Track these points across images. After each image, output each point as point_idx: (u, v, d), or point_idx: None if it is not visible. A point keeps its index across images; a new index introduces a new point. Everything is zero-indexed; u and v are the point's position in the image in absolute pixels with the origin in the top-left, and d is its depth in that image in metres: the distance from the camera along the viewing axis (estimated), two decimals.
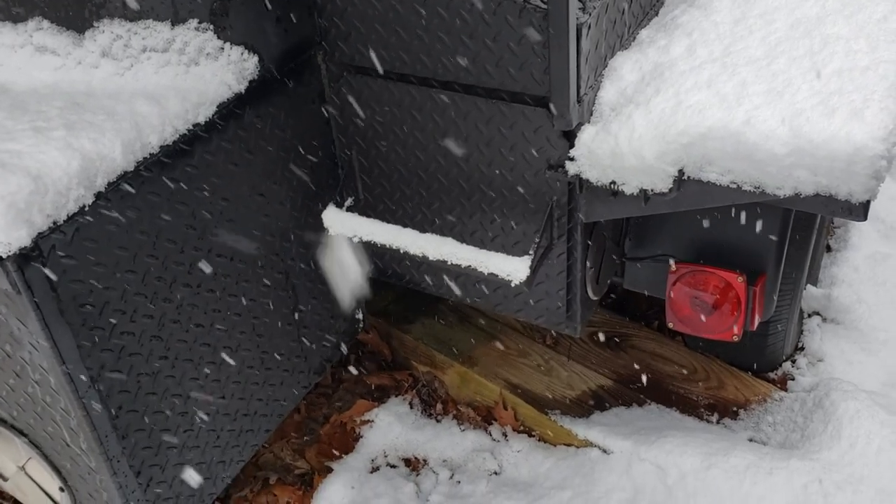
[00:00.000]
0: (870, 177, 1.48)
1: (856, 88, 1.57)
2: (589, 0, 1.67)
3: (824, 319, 2.78)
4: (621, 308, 2.84)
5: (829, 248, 3.13)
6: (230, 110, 1.75)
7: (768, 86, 1.63)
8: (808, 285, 2.81)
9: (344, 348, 2.35)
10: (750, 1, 1.91)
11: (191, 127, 1.66)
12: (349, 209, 2.09)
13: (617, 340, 2.69)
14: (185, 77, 1.70)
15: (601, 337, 2.68)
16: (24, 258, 1.40)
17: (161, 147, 1.61)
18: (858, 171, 1.48)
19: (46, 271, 1.44)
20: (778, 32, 1.78)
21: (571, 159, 1.75)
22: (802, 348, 2.69)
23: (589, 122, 1.76)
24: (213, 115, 1.70)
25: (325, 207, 2.07)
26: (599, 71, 1.78)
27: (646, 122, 1.64)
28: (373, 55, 1.89)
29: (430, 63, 1.83)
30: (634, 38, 1.92)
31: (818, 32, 1.76)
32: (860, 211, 1.53)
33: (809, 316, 2.80)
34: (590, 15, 1.64)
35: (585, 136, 1.72)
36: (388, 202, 2.11)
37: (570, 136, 1.76)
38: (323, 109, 2.02)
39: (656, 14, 2.03)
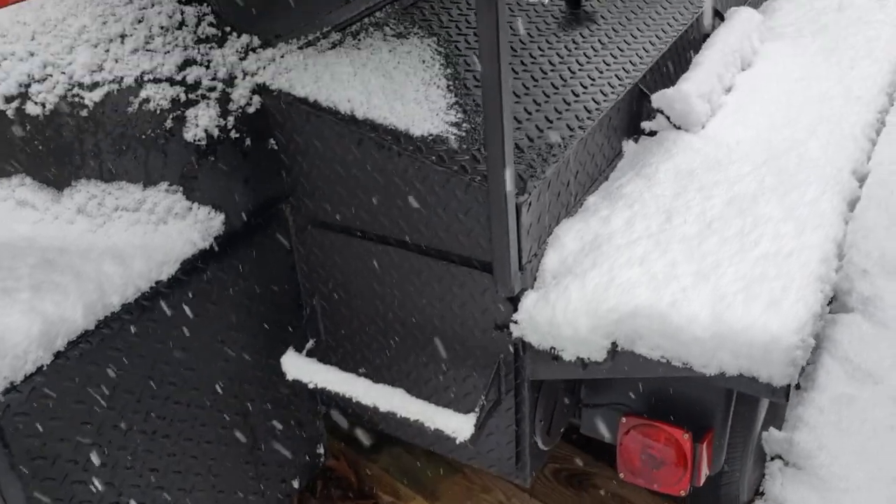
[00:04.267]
0: (786, 364, 1.55)
1: (778, 275, 1.66)
2: (530, 179, 1.79)
3: (786, 463, 2.81)
4: (588, 442, 2.88)
5: (798, 386, 3.18)
6: (194, 266, 1.86)
7: (697, 266, 1.72)
8: (772, 427, 2.85)
9: (301, 484, 2.39)
10: (692, 174, 2.03)
11: (153, 285, 1.76)
12: (309, 352, 2.17)
13: (580, 479, 2.72)
14: (153, 235, 1.81)
15: (564, 475, 2.71)
16: None
17: (123, 305, 1.71)
18: (775, 359, 1.55)
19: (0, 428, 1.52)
20: (714, 209, 1.89)
21: (515, 323, 1.84)
22: (762, 493, 2.70)
23: (532, 288, 1.86)
24: (176, 272, 1.81)
25: (286, 348, 2.15)
26: (543, 239, 1.89)
27: (580, 296, 1.73)
28: (335, 213, 2.00)
29: (387, 223, 1.94)
30: (582, 203, 2.04)
31: (751, 212, 1.87)
32: (781, 394, 1.60)
33: (772, 459, 2.82)
34: (530, 194, 1.75)
35: (528, 302, 1.82)
36: (349, 346, 2.20)
37: (514, 301, 1.85)
38: (288, 258, 2.13)
39: (606, 179, 2.15)
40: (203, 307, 1.91)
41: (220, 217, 1.90)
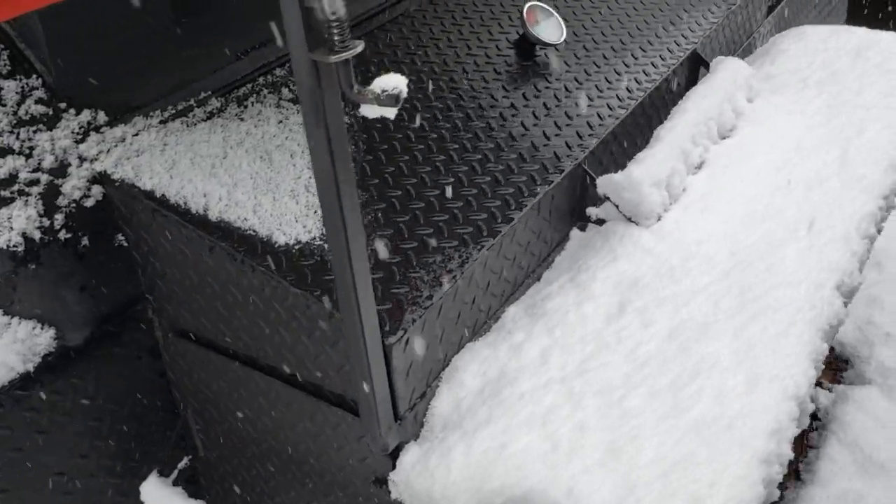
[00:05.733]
0: None
1: (709, 458, 1.28)
2: (411, 309, 1.42)
3: None
4: None
5: (797, 475, 2.79)
6: (10, 394, 1.54)
7: (611, 435, 1.34)
8: None
9: None
10: (635, 285, 1.64)
11: None
12: (180, 475, 1.85)
13: None
14: None
15: None
16: None
17: None
18: None
19: None
20: (651, 343, 1.51)
21: (394, 482, 1.48)
22: None
23: (417, 439, 1.50)
24: None
25: (154, 468, 1.83)
26: (435, 374, 1.53)
27: (464, 466, 1.37)
28: (196, 324, 1.67)
29: (251, 345, 1.60)
30: (498, 317, 1.66)
31: (696, 350, 1.48)
32: None
33: None
34: (405, 331, 1.39)
35: (407, 460, 1.46)
36: (227, 468, 1.86)
37: (394, 454, 1.50)
38: (156, 364, 1.80)
39: (538, 279, 1.77)
40: (27, 439, 1.59)
41: (49, 332, 1.58)
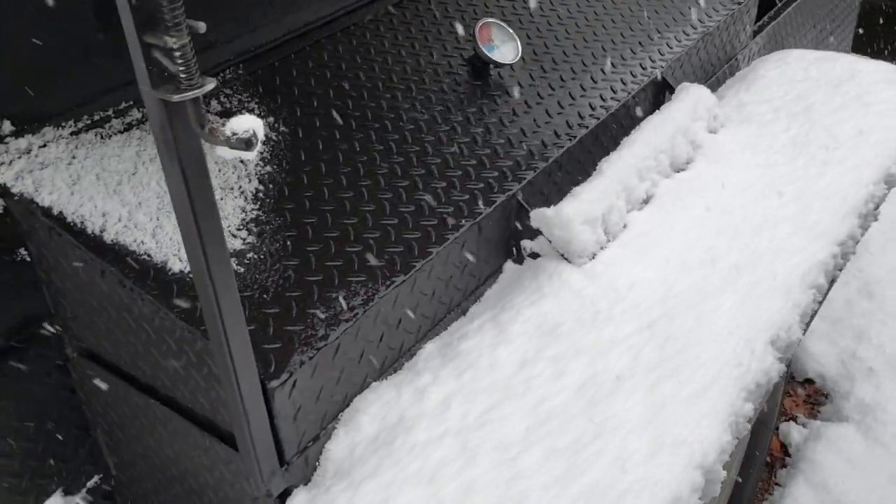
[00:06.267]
0: None
1: None
2: (300, 350, 1.35)
3: None
4: None
5: None
6: None
7: (497, 498, 1.26)
8: None
9: None
10: (555, 330, 1.56)
11: None
12: (89, 492, 1.80)
13: None
14: None
15: None
16: None
17: None
18: None
19: None
20: (559, 396, 1.42)
21: None
22: None
23: (307, 485, 1.43)
24: None
25: (57, 489, 1.78)
26: (331, 416, 1.45)
27: None
28: (98, 346, 1.61)
29: (149, 373, 1.53)
30: (415, 354, 1.59)
31: (604, 408, 1.39)
32: None
33: None
34: (291, 374, 1.32)
35: None
36: (136, 488, 1.81)
37: (283, 497, 1.43)
38: (65, 380, 1.75)
39: (463, 314, 1.70)
40: None
41: None
